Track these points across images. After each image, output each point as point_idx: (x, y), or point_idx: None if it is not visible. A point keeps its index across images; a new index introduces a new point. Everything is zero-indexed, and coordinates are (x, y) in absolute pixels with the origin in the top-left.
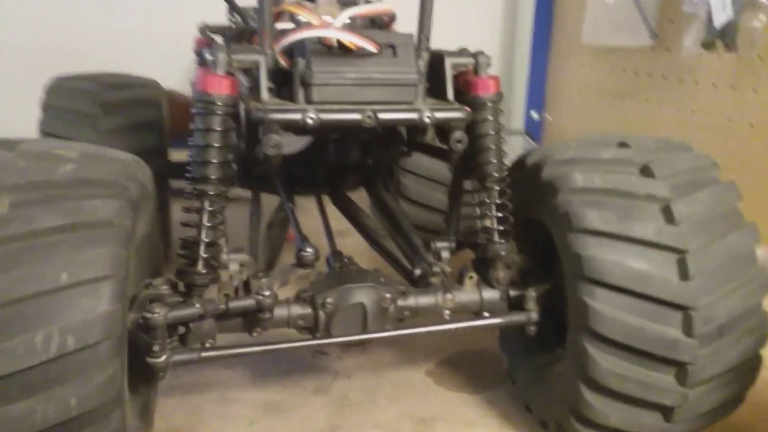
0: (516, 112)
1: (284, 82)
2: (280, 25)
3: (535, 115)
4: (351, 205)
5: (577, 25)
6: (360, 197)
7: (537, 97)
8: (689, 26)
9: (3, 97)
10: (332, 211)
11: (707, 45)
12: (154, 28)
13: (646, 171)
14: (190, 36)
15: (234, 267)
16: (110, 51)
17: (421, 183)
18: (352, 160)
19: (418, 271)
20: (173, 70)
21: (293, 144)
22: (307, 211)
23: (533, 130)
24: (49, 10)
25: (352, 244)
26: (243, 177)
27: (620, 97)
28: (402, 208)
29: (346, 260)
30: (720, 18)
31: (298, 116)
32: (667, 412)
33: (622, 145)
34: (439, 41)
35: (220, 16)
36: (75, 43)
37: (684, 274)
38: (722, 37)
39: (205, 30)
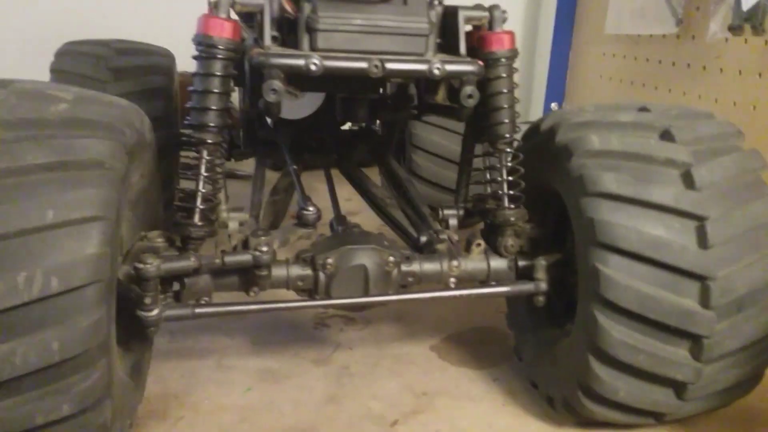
0: (536, 102)
1: (290, 31)
2: None
3: (554, 106)
4: (359, 175)
5: (600, 14)
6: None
7: (557, 88)
8: (716, 10)
9: (16, 61)
10: (342, 191)
11: (735, 29)
12: (174, 4)
13: (666, 135)
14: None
15: (233, 225)
16: (125, 24)
17: (433, 161)
18: (361, 120)
19: (424, 238)
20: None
21: (301, 108)
22: (315, 190)
23: None
24: None
25: (363, 223)
26: (248, 141)
27: (642, 86)
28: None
29: (349, 224)
30: (748, 1)
31: (301, 62)
32: (679, 388)
33: (642, 109)
34: None
35: None
36: (89, 12)
37: (703, 242)
38: (750, 20)
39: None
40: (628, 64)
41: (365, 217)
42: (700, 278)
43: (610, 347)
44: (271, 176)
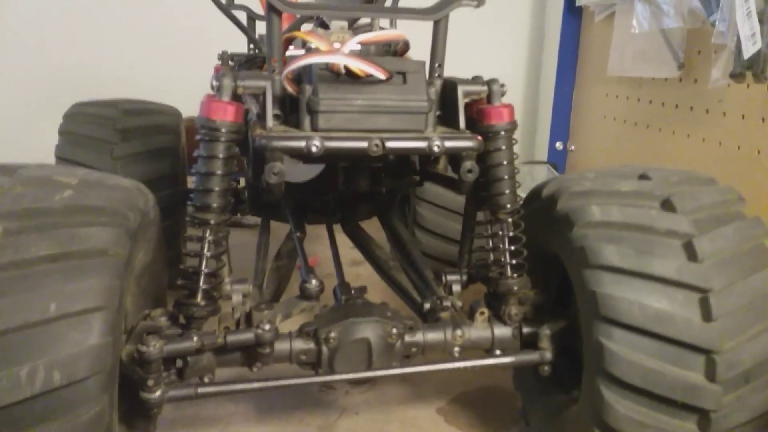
0: (541, 142)
1: (293, 110)
2: (292, 52)
3: (559, 145)
4: (362, 235)
5: (602, 56)
6: (373, 227)
7: (561, 127)
8: (717, 57)
9: (25, 123)
10: (347, 240)
11: (736, 76)
12: (177, 57)
13: (667, 205)
14: (213, 64)
15: (237, 298)
16: (132, 78)
17: (438, 213)
18: (363, 189)
19: (427, 305)
20: (195, 99)
21: (304, 172)
22: (321, 238)
23: (557, 160)
24: (72, 38)
25: (368, 273)
26: (253, 204)
27: (645, 127)
28: (415, 239)
29: (354, 292)
30: (749, 49)
31: (302, 144)
32: None
33: (643, 177)
34: (464, 72)
35: (242, 44)
36: (96, 70)
37: (707, 315)
38: (752, 68)
39: (226, 58)
40: (632, 106)
41: (369, 267)
42: (705, 352)
43: (616, 422)
44: (277, 227)
